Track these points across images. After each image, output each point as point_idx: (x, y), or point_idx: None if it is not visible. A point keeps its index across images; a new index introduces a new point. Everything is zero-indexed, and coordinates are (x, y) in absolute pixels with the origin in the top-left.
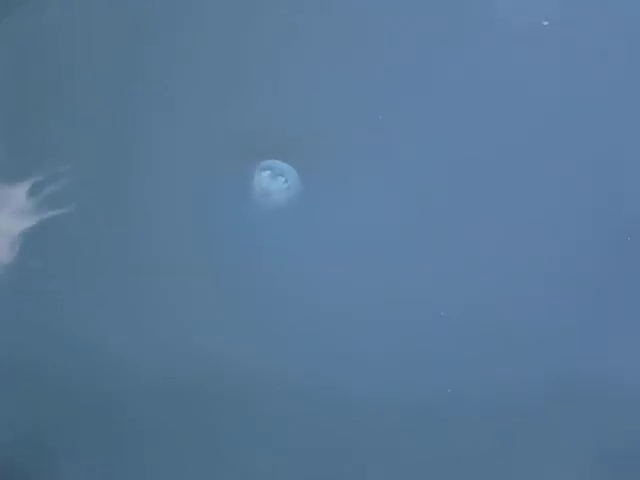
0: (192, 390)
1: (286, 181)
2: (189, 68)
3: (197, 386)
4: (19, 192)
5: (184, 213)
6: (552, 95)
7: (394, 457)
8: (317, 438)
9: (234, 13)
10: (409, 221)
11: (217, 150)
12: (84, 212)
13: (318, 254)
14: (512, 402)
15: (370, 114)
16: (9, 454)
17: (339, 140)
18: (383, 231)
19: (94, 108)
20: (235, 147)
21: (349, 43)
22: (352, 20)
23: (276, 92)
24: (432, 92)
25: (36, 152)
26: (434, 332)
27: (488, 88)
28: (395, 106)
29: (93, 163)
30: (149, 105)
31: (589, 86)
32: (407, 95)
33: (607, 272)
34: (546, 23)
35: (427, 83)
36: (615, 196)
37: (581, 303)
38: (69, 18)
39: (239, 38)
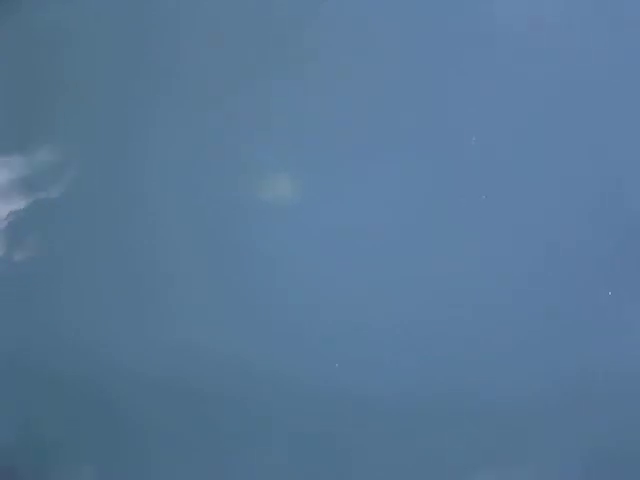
0: (194, 391)
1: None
2: (193, 68)
3: (198, 387)
4: (12, 180)
5: (185, 208)
6: (553, 96)
7: (396, 457)
8: (318, 438)
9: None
10: (412, 221)
11: (220, 146)
12: (80, 209)
13: (320, 252)
14: (513, 402)
15: (371, 114)
16: (8, 455)
17: (339, 140)
18: (386, 231)
19: (94, 98)
20: (238, 145)
21: (351, 44)
22: (353, 22)
23: (277, 98)
24: (432, 91)
25: (35, 143)
26: (434, 332)
27: (488, 91)
28: (395, 106)
29: (91, 154)
30: (150, 98)
31: (591, 89)
32: (408, 95)
33: (608, 271)
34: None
35: (427, 82)
36: (617, 198)
37: (581, 303)
38: (72, 14)
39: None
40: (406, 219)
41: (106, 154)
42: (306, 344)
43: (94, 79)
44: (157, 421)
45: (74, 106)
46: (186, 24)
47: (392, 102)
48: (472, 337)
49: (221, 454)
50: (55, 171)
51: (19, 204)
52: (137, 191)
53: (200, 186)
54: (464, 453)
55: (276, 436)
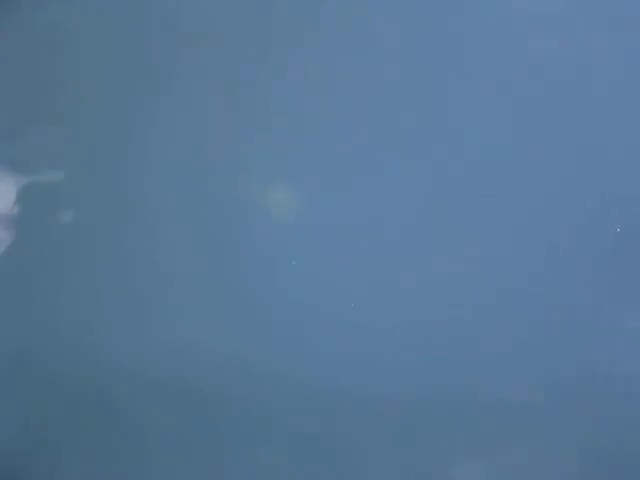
0: (194, 391)
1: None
2: (193, 68)
3: (198, 387)
4: (12, 181)
5: (185, 209)
6: (554, 96)
7: (396, 457)
8: (318, 438)
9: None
10: (412, 221)
11: (220, 147)
12: (80, 209)
13: (320, 252)
14: (513, 402)
15: (371, 115)
16: (8, 455)
17: (339, 140)
18: (386, 231)
19: (94, 98)
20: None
21: (351, 44)
22: (353, 22)
23: (277, 98)
24: (433, 91)
25: (35, 143)
26: (434, 332)
27: (489, 91)
28: (396, 107)
29: (91, 154)
30: (150, 98)
31: (591, 89)
32: (408, 96)
33: (608, 271)
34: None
35: (428, 82)
36: (617, 198)
37: (581, 303)
38: (72, 14)
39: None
40: (406, 219)
41: (106, 154)
42: (306, 344)
43: (94, 79)
44: (157, 421)
45: (74, 106)
46: (186, 24)
47: (393, 102)
48: (472, 337)
49: (221, 454)
50: (55, 172)
51: (19, 205)
52: (137, 191)
53: (200, 186)
54: (464, 453)
55: (276, 436)
